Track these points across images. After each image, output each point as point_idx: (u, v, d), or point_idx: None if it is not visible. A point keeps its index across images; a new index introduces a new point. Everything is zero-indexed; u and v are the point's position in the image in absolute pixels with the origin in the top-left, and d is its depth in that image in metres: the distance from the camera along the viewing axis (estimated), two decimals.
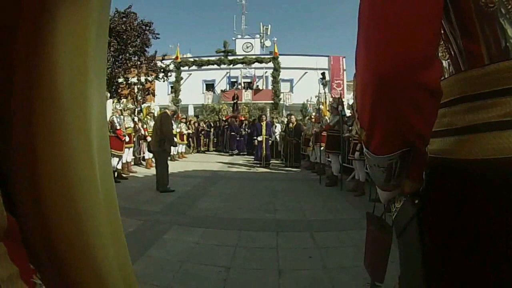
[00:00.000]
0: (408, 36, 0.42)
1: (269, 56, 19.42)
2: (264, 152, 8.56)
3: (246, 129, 12.69)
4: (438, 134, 0.54)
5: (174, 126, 7.97)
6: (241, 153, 12.78)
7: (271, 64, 18.93)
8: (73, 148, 0.38)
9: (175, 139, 7.34)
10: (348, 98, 18.38)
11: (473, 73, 0.49)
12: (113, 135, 5.74)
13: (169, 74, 14.26)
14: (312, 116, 8.76)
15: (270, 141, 9.17)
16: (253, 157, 9.59)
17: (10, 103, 0.37)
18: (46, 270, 0.37)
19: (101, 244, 0.41)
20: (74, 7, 0.37)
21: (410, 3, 0.42)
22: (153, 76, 13.42)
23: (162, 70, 13.61)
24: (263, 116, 9.41)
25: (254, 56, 19.79)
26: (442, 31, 0.54)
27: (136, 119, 7.81)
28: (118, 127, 5.88)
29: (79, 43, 0.37)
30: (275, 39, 19.90)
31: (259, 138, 8.57)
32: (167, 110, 5.42)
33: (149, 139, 7.07)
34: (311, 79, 19.04)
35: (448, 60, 0.57)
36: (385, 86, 0.44)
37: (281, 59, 18.80)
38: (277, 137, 10.51)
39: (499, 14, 0.46)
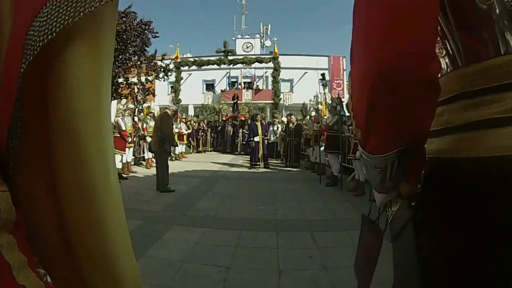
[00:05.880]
0: (411, 24, 0.40)
1: (269, 56, 19.40)
2: (261, 152, 8.43)
3: (246, 130, 12.73)
4: (436, 134, 0.51)
5: (174, 126, 7.97)
6: (236, 153, 12.95)
7: (271, 64, 18.91)
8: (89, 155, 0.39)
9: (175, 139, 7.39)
10: (348, 97, 18.37)
11: (471, 69, 0.47)
12: (118, 135, 5.92)
13: (169, 73, 14.24)
14: (312, 115, 8.74)
15: (266, 141, 8.92)
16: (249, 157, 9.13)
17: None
18: (54, 265, 0.38)
19: (116, 245, 0.42)
20: (88, 51, 0.37)
21: None
22: (153, 76, 13.39)
23: (162, 69, 13.59)
24: (258, 116, 9.11)
25: (254, 56, 19.75)
26: (439, 27, 0.52)
27: (136, 119, 7.82)
28: (124, 128, 6.08)
29: (94, 82, 0.38)
30: (275, 39, 19.95)
31: (256, 139, 8.36)
32: (167, 110, 5.42)
33: (149, 139, 7.10)
34: (311, 79, 19.01)
35: (445, 57, 0.55)
36: (386, 77, 0.42)
37: (281, 59, 18.79)
38: (277, 137, 10.44)
39: (496, 7, 0.45)
